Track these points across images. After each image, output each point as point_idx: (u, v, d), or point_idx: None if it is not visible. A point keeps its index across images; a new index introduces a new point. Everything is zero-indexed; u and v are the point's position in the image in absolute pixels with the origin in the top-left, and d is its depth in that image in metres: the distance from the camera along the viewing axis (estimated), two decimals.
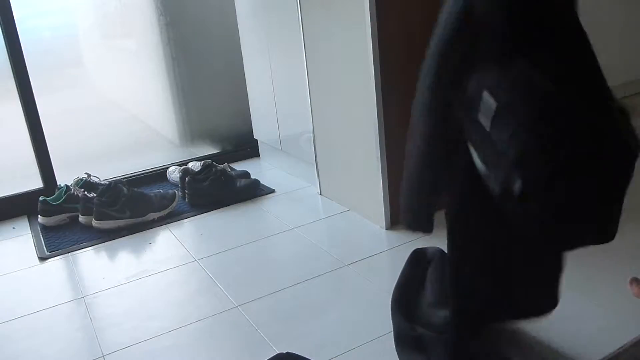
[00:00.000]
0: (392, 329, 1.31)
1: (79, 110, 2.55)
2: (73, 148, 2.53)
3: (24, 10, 2.27)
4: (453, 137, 0.85)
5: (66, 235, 2.10)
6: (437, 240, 1.75)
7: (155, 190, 2.27)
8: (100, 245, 2.01)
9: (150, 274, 1.76)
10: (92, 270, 1.84)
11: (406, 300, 1.29)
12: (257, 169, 2.62)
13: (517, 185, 0.73)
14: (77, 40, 2.54)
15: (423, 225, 0.96)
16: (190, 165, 2.51)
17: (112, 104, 2.66)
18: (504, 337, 1.24)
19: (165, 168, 2.61)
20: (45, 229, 2.17)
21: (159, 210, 2.17)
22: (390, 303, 1.34)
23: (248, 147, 2.80)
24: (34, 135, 2.34)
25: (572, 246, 0.89)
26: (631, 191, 0.84)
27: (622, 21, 2.96)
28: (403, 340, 1.22)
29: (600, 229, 0.83)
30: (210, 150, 2.79)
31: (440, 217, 1.00)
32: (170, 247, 1.94)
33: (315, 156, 2.19)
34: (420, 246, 1.65)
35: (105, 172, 2.45)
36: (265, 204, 2.22)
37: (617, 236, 1.73)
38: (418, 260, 1.37)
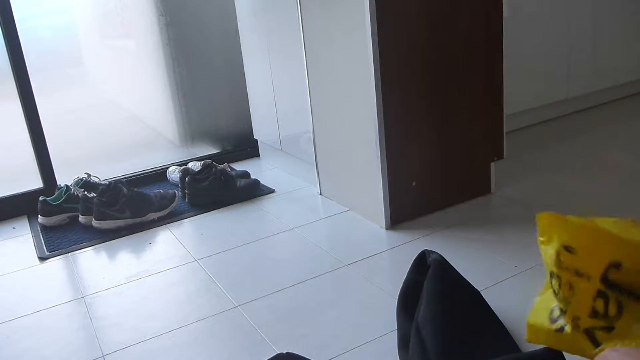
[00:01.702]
0: (391, 329, 1.32)
1: (78, 110, 2.55)
2: (73, 148, 2.53)
3: (24, 10, 2.27)
4: None
5: (66, 235, 2.10)
6: (441, 240, 1.75)
7: (155, 190, 2.27)
8: (100, 245, 2.01)
9: (150, 274, 1.76)
10: (92, 270, 1.84)
11: (410, 302, 1.29)
12: (257, 169, 2.62)
13: None
14: (77, 40, 2.53)
15: None
16: (190, 165, 2.51)
17: (112, 104, 2.66)
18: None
19: (165, 168, 2.61)
20: (45, 229, 2.17)
21: (159, 210, 2.17)
22: (395, 302, 1.34)
23: (248, 147, 2.80)
24: (34, 135, 2.34)
25: None
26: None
27: (622, 21, 2.97)
28: (407, 341, 1.22)
29: None
30: (210, 150, 2.80)
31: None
32: (170, 247, 1.94)
33: (315, 156, 2.19)
34: (420, 246, 1.65)
35: (105, 172, 2.45)
36: (265, 204, 2.22)
37: None
38: (420, 265, 1.37)
